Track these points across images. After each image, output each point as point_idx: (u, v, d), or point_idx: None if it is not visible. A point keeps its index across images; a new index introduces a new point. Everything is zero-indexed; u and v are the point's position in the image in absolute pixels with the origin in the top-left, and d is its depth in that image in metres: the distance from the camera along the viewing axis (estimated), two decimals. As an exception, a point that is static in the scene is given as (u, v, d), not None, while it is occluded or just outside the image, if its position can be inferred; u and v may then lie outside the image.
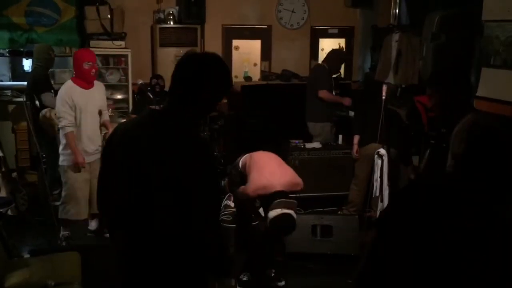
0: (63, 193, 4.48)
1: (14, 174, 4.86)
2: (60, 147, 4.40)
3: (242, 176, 3.77)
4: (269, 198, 3.48)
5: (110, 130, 4.54)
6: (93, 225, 4.76)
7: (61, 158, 4.41)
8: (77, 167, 4.31)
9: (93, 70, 4.40)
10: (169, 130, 1.90)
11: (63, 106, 4.27)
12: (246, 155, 3.88)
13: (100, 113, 4.52)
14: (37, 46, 6.04)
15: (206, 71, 1.93)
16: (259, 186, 3.53)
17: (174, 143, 1.87)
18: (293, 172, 3.77)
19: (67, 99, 4.28)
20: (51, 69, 6.05)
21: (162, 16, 6.80)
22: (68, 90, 4.33)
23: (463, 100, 2.71)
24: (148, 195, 1.85)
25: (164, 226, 1.84)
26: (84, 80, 4.37)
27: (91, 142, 4.44)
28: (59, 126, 4.34)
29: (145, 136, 1.90)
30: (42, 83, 5.59)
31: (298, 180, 3.69)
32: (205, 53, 2.06)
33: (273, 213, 3.39)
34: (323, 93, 5.82)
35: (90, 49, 5.90)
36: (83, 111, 4.35)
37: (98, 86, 4.61)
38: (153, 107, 4.54)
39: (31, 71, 6.24)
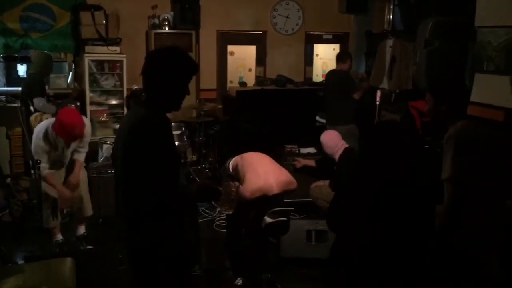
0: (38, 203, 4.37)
1: (8, 180, 4.83)
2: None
3: (234, 179, 3.77)
4: (266, 205, 3.48)
5: (78, 169, 4.41)
6: (80, 231, 4.66)
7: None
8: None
9: (80, 135, 4.17)
10: (132, 118, 2.31)
11: (36, 154, 4.08)
12: (235, 157, 3.87)
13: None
14: (37, 54, 6.05)
15: (159, 62, 2.27)
16: (257, 188, 3.52)
17: (129, 128, 2.26)
18: (287, 171, 3.79)
19: (44, 147, 4.10)
20: (45, 75, 6.06)
21: (157, 21, 6.82)
22: (42, 141, 4.09)
23: (461, 108, 2.75)
24: (117, 173, 2.37)
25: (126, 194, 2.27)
26: (68, 140, 4.18)
27: (63, 179, 4.38)
28: (38, 166, 4.11)
29: (122, 126, 2.37)
30: (36, 88, 5.60)
31: (293, 179, 3.72)
32: (165, 47, 2.39)
33: (269, 219, 3.40)
34: (356, 95, 5.81)
35: (86, 55, 5.90)
36: (62, 154, 4.25)
37: (86, 131, 4.32)
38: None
39: (27, 76, 6.24)
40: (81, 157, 4.43)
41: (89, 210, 4.61)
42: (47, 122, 4.29)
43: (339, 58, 5.93)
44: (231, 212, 3.68)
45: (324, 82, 6.05)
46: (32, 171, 4.24)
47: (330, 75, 6.04)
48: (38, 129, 4.19)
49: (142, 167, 2.16)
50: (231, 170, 3.85)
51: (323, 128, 6.05)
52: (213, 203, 4.85)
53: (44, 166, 4.14)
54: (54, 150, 4.20)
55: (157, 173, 2.15)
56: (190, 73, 2.34)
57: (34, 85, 5.69)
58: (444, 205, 2.57)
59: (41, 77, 5.81)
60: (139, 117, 2.26)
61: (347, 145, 4.42)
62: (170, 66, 2.26)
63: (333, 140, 4.50)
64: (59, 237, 4.54)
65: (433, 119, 2.79)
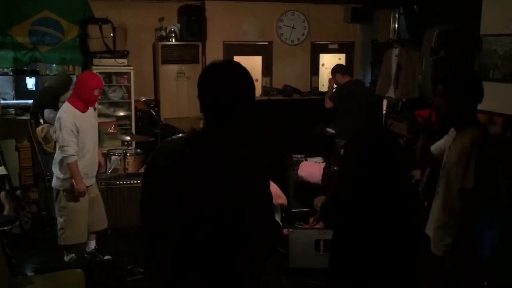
0: (61, 219, 4.28)
1: (18, 192, 4.87)
2: (58, 172, 4.24)
3: None
4: None
5: (101, 159, 4.56)
6: (90, 246, 4.64)
7: (59, 183, 4.24)
8: (78, 195, 4.19)
9: (99, 97, 4.35)
10: (222, 153, 1.80)
11: (68, 135, 4.09)
12: None
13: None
14: (62, 72, 6.43)
15: (238, 83, 1.83)
16: None
17: (229, 167, 1.77)
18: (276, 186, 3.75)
19: (71, 126, 4.12)
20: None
21: (164, 33, 6.88)
22: (70, 116, 4.16)
23: (471, 106, 2.71)
24: (203, 217, 1.75)
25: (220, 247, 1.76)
26: (86, 104, 4.24)
27: (90, 166, 4.35)
28: (63, 155, 4.14)
29: (199, 157, 1.80)
30: (48, 100, 5.69)
31: (283, 194, 3.65)
32: (225, 62, 1.91)
33: None
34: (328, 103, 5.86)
35: (94, 68, 6.01)
36: (84, 135, 4.24)
37: (90, 108, 4.49)
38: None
39: (41, 89, 6.33)
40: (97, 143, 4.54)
41: (104, 223, 4.58)
42: (65, 105, 4.30)
43: (347, 70, 5.98)
44: None
45: (343, 93, 5.85)
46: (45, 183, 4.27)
47: (357, 86, 6.01)
48: (61, 114, 4.18)
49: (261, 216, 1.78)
50: None
51: (332, 138, 6.07)
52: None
53: (71, 152, 4.10)
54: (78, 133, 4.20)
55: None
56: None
57: (47, 97, 5.80)
58: (463, 215, 2.55)
59: (57, 92, 5.90)
60: (239, 158, 1.81)
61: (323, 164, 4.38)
62: (252, 85, 1.88)
63: (310, 170, 4.45)
64: (71, 254, 4.51)
65: (446, 116, 2.72)
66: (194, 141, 1.86)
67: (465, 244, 2.57)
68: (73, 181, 4.14)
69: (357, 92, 5.84)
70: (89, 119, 4.35)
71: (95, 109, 4.63)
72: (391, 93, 6.40)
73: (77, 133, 4.17)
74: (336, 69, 5.96)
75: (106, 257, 4.49)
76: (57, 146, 4.29)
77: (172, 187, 1.81)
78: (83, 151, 4.26)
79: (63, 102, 4.59)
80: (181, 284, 1.82)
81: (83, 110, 4.25)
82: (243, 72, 1.87)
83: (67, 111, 4.20)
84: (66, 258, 4.44)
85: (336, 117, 5.89)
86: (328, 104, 5.88)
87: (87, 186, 4.30)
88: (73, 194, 4.19)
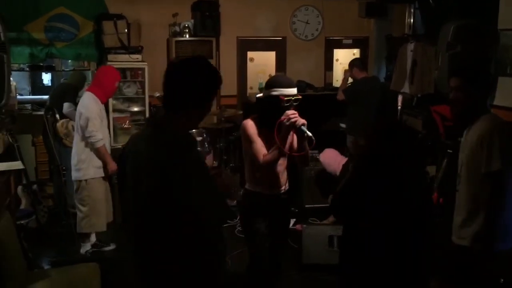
0: (84, 208, 4.49)
1: (34, 186, 4.94)
2: (77, 162, 4.43)
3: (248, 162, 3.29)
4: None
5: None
6: (91, 239, 4.75)
7: (79, 173, 4.43)
8: (112, 173, 4.45)
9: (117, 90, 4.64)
10: (157, 140, 1.99)
11: (95, 120, 4.33)
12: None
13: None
14: (77, 71, 6.63)
15: (190, 75, 2.00)
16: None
17: (156, 153, 1.95)
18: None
19: (98, 113, 4.40)
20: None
21: (178, 29, 6.90)
22: (96, 105, 4.40)
23: (485, 97, 2.74)
24: (140, 203, 1.99)
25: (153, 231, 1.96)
26: (105, 96, 4.50)
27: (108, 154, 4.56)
28: (92, 140, 4.34)
29: (141, 147, 2.03)
30: (70, 94, 5.85)
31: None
32: (188, 58, 2.10)
33: None
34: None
35: (109, 64, 6.07)
36: (103, 124, 4.51)
37: None
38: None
39: (60, 84, 6.42)
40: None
41: (111, 216, 4.71)
42: (87, 94, 4.47)
43: (365, 66, 5.93)
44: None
45: (357, 89, 5.81)
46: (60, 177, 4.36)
47: (373, 83, 5.97)
48: (87, 102, 4.38)
49: (180, 194, 1.89)
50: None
51: (345, 133, 6.04)
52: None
53: (100, 137, 4.33)
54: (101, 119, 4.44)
55: (198, 200, 1.93)
56: (216, 87, 2.07)
57: (69, 91, 5.94)
58: (492, 199, 2.56)
59: (75, 88, 6.03)
60: (169, 141, 1.97)
61: (346, 159, 4.38)
62: (204, 79, 2.01)
63: (332, 158, 4.47)
64: (88, 245, 4.65)
65: (462, 109, 2.73)
66: (142, 133, 2.17)
67: (495, 230, 2.55)
68: (105, 162, 4.40)
69: (372, 89, 5.82)
70: (104, 112, 4.58)
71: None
72: (406, 88, 6.33)
73: (101, 120, 4.42)
74: (354, 63, 5.95)
75: (111, 246, 4.65)
76: (76, 138, 4.45)
77: (126, 180, 2.06)
78: (104, 140, 4.47)
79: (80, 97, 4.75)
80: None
81: (103, 101, 4.50)
82: (190, 69, 2.03)
83: (92, 100, 4.40)
84: (83, 250, 4.53)
85: (348, 113, 5.88)
86: (340, 96, 5.87)
87: (102, 177, 4.49)
88: (95, 183, 4.42)
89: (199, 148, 5.76)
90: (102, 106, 4.54)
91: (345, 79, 6.08)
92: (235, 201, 5.70)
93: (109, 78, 4.48)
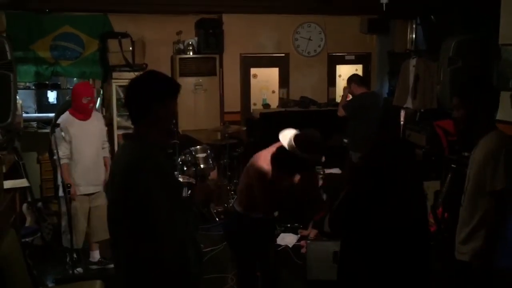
0: (63, 223, 4.53)
1: (39, 204, 4.95)
2: (59, 178, 4.43)
3: (250, 199, 3.30)
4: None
5: (107, 167, 4.62)
6: (95, 256, 4.75)
7: (60, 189, 4.45)
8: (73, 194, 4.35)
9: (91, 104, 4.52)
10: (124, 153, 2.18)
11: (58, 140, 4.30)
12: (246, 169, 3.40)
13: (101, 142, 4.64)
14: None
15: (141, 89, 2.14)
16: (265, 156, 3.23)
17: (122, 165, 2.12)
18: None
19: (63, 132, 4.35)
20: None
21: (181, 47, 6.97)
22: (64, 122, 4.39)
23: (489, 113, 2.71)
24: (110, 213, 2.19)
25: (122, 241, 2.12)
26: (80, 112, 4.47)
27: (90, 173, 4.48)
28: (54, 157, 4.38)
29: (116, 162, 2.23)
30: None
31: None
32: (140, 74, 2.27)
33: None
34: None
35: (114, 81, 6.12)
36: (81, 142, 4.43)
37: (97, 116, 4.73)
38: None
39: (64, 102, 6.46)
40: (107, 152, 4.73)
41: (106, 233, 4.66)
42: (64, 114, 4.55)
43: (363, 81, 5.96)
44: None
45: (356, 105, 5.81)
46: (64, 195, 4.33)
47: (373, 98, 6.00)
48: (59, 121, 4.45)
49: (142, 206, 2.00)
50: (238, 203, 3.40)
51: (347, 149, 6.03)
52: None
53: (61, 155, 4.29)
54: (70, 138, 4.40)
55: (160, 211, 2.01)
56: (172, 93, 2.17)
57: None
58: (493, 217, 2.55)
59: None
60: (133, 154, 2.10)
61: None
62: (150, 90, 2.13)
63: None
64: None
65: (466, 126, 2.72)
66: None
67: (494, 247, 2.54)
68: (66, 181, 4.31)
69: (372, 104, 5.81)
70: (90, 128, 4.52)
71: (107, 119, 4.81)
72: (409, 103, 6.36)
73: (70, 139, 4.37)
74: (352, 79, 5.94)
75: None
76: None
77: None
78: (77, 157, 4.43)
79: None
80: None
81: (81, 118, 4.46)
82: (140, 82, 2.18)
83: (63, 118, 4.46)
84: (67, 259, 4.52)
85: (348, 128, 5.88)
86: (341, 112, 5.88)
87: (88, 194, 4.48)
88: (67, 200, 4.32)
89: (200, 155, 5.81)
90: (86, 123, 4.48)
91: (344, 96, 6.11)
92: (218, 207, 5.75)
93: (75, 95, 4.48)
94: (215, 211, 5.84)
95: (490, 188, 2.54)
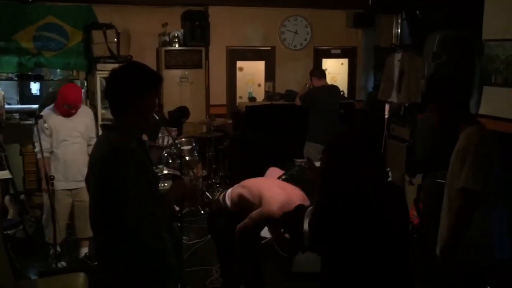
0: (43, 216, 4.48)
1: (22, 196, 4.90)
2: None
3: (242, 209, 3.38)
4: (293, 214, 3.26)
5: None
6: (82, 251, 4.69)
7: (43, 183, 4.37)
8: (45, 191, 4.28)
9: (73, 111, 4.36)
10: (101, 144, 2.20)
11: (37, 132, 4.21)
12: (231, 189, 3.52)
13: (87, 139, 4.49)
14: (65, 81, 6.32)
15: (121, 81, 2.15)
16: (282, 202, 3.23)
17: (99, 156, 2.14)
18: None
19: (44, 125, 4.27)
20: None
21: (167, 39, 6.92)
22: (46, 116, 4.30)
23: (463, 110, 2.70)
24: (90, 205, 2.22)
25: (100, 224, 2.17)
26: (61, 113, 4.36)
27: (72, 169, 4.38)
28: (36, 149, 4.32)
29: (94, 153, 2.24)
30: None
31: (305, 196, 3.58)
32: (121, 65, 2.26)
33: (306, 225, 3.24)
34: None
35: (98, 73, 6.04)
36: (61, 136, 4.34)
37: (84, 111, 4.57)
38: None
39: (48, 94, 6.36)
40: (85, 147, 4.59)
41: (90, 231, 4.61)
42: (49, 106, 4.47)
43: (323, 74, 6.04)
44: None
45: (312, 96, 5.94)
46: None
47: (331, 91, 6.10)
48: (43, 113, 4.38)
49: (117, 197, 2.02)
50: (230, 203, 3.46)
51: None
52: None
53: (39, 149, 4.19)
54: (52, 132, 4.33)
55: (134, 203, 2.01)
56: (152, 85, 2.19)
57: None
58: (458, 215, 2.53)
59: None
60: (110, 145, 2.10)
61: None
62: (130, 82, 2.13)
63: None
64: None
65: (443, 128, 2.74)
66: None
67: (458, 244, 2.55)
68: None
69: (328, 97, 5.94)
70: (72, 123, 4.40)
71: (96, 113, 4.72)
72: (393, 97, 6.42)
73: (50, 133, 4.31)
74: (312, 73, 6.10)
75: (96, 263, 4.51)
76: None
77: None
78: (57, 152, 4.36)
79: None
80: None
81: (64, 114, 4.35)
82: (121, 73, 2.18)
83: (45, 112, 4.38)
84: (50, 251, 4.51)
85: (308, 120, 6.01)
86: (297, 102, 6.14)
87: (69, 189, 4.41)
88: (45, 194, 4.30)
89: (185, 147, 5.81)
90: (69, 119, 4.37)
91: (305, 87, 6.25)
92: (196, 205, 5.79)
93: (59, 97, 4.33)
94: (185, 211, 5.70)
95: (459, 186, 2.52)
